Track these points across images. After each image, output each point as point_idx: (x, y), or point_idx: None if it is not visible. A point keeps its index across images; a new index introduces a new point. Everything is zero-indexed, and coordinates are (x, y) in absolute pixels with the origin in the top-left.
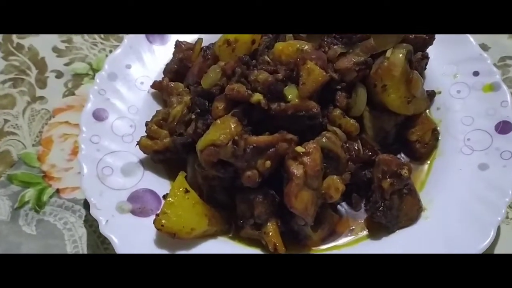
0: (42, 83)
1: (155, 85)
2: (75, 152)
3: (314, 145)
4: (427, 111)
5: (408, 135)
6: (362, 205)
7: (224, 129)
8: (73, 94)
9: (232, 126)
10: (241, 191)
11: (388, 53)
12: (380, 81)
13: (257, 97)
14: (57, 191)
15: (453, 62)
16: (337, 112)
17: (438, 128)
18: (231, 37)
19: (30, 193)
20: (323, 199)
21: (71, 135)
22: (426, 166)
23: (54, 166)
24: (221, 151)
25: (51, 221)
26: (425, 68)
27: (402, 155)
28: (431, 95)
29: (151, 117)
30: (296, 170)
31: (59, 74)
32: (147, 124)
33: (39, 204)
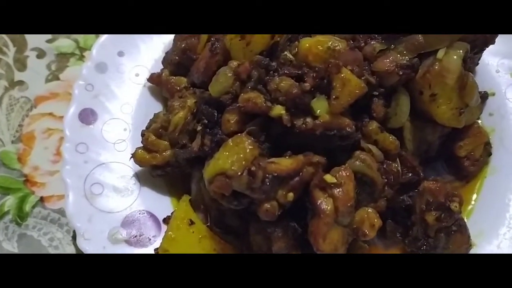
0: (21, 64)
1: (153, 78)
2: (61, 151)
3: (347, 173)
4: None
5: (456, 150)
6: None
7: (237, 153)
8: (58, 78)
9: (248, 149)
10: (257, 219)
11: (440, 54)
12: (428, 88)
13: (278, 110)
14: (41, 199)
15: (511, 55)
16: (374, 125)
17: (491, 139)
18: None
19: (10, 202)
20: (355, 235)
21: (56, 130)
22: (473, 186)
23: (37, 168)
24: (234, 183)
25: (34, 236)
26: (477, 64)
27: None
28: (483, 97)
29: (148, 120)
30: (325, 205)
31: (41, 53)
32: (143, 134)
33: (20, 216)
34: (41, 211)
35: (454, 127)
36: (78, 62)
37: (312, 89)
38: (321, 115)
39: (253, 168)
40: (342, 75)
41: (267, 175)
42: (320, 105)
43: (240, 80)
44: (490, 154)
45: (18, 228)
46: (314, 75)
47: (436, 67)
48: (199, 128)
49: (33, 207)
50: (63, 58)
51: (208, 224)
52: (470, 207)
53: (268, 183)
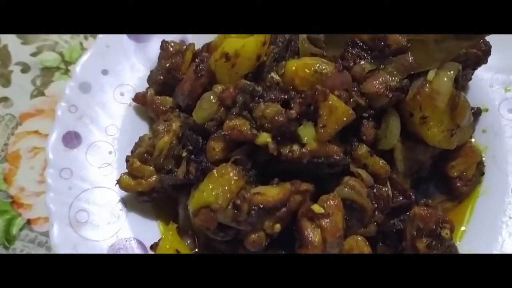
0: (5, 79)
1: (138, 98)
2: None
3: (335, 202)
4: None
5: (448, 170)
6: None
7: (222, 185)
8: (43, 94)
9: (233, 181)
10: (245, 246)
11: (430, 75)
12: (418, 110)
13: (264, 138)
14: (28, 222)
15: (505, 70)
16: (363, 150)
17: (484, 156)
18: (230, 50)
19: None
20: None
21: (41, 149)
22: (466, 206)
23: (23, 189)
24: (219, 216)
25: None
26: (470, 79)
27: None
28: (476, 113)
29: (134, 141)
30: (313, 236)
31: (26, 68)
32: (127, 159)
33: (8, 239)
34: (28, 234)
35: (446, 148)
36: (63, 77)
37: (299, 116)
38: (308, 143)
39: (238, 202)
40: (329, 102)
41: (253, 207)
42: (307, 133)
43: (224, 105)
44: (483, 173)
45: (6, 251)
46: (301, 101)
47: (426, 89)
48: (184, 154)
49: (21, 229)
50: (48, 72)
51: (196, 249)
52: (462, 228)
53: (254, 215)
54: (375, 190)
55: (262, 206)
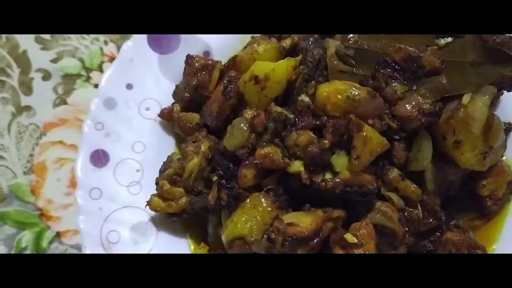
0: (26, 87)
1: (164, 114)
2: (73, 182)
3: (368, 231)
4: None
5: (478, 189)
6: None
7: (255, 217)
8: (65, 103)
9: (266, 212)
10: None
11: (465, 99)
12: (452, 134)
13: (296, 167)
14: (57, 234)
15: None
16: (395, 173)
17: None
18: (260, 73)
19: (27, 237)
20: None
21: (67, 160)
22: (496, 224)
23: (51, 202)
24: (253, 248)
25: None
26: (502, 94)
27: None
28: (508, 129)
29: (161, 158)
30: None
31: (46, 75)
32: (157, 182)
33: (38, 252)
34: (58, 247)
35: (478, 170)
36: (85, 84)
37: (331, 146)
38: (341, 172)
39: (272, 236)
40: (364, 134)
41: (286, 238)
42: (340, 162)
43: (256, 132)
44: None
45: None
46: (333, 130)
47: (461, 114)
48: (214, 178)
49: (50, 242)
50: (69, 80)
51: None
52: (493, 246)
53: (287, 246)
54: (406, 214)
55: (295, 237)
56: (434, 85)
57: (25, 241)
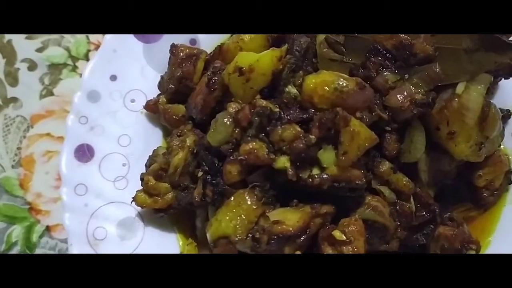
0: (12, 78)
1: (149, 106)
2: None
3: (357, 228)
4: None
5: (474, 179)
6: None
7: (239, 215)
8: (52, 94)
9: (251, 210)
10: None
11: (459, 88)
12: (445, 125)
13: (282, 163)
14: (47, 228)
15: None
16: (386, 166)
17: None
18: (244, 64)
19: (17, 232)
20: None
21: (55, 153)
22: (492, 215)
23: (40, 195)
24: (238, 246)
25: None
26: (499, 80)
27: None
28: (505, 117)
29: (147, 151)
30: None
31: (32, 65)
32: (142, 178)
33: (29, 246)
34: (48, 241)
35: (474, 161)
36: (71, 74)
37: (318, 140)
38: (328, 168)
39: (257, 235)
40: (351, 128)
41: (272, 237)
42: (327, 157)
43: (240, 126)
44: (510, 182)
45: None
46: (320, 124)
47: (455, 104)
48: (200, 174)
49: (40, 237)
50: (55, 69)
51: None
52: (489, 238)
53: (273, 244)
54: (398, 207)
55: (281, 235)
56: (427, 73)
57: (15, 236)
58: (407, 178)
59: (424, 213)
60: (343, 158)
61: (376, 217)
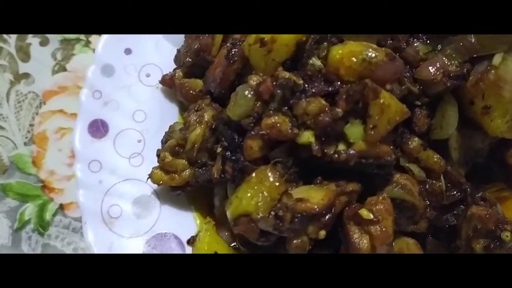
0: (24, 53)
1: (165, 81)
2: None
3: (385, 207)
4: None
5: (507, 157)
6: None
7: (261, 192)
8: (65, 69)
9: (273, 187)
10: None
11: (496, 60)
12: (480, 99)
13: (306, 138)
14: (61, 207)
15: None
16: (416, 143)
17: None
18: (266, 35)
19: (30, 210)
20: None
21: (68, 130)
22: None
23: (53, 173)
24: (260, 225)
25: (58, 247)
26: None
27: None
28: None
29: (163, 127)
30: (361, 242)
31: (44, 40)
32: (158, 154)
33: (42, 225)
34: (62, 220)
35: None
36: (84, 49)
37: (345, 114)
38: (355, 143)
39: (280, 213)
40: (381, 100)
41: (296, 215)
42: (354, 132)
43: (262, 100)
44: None
45: (41, 238)
46: (347, 97)
47: (491, 76)
48: (218, 150)
49: (54, 215)
50: (67, 45)
51: (235, 243)
52: None
53: (297, 223)
54: (427, 186)
55: (305, 214)
56: (461, 44)
57: (28, 214)
58: (438, 155)
59: (455, 192)
60: (372, 132)
61: (404, 196)
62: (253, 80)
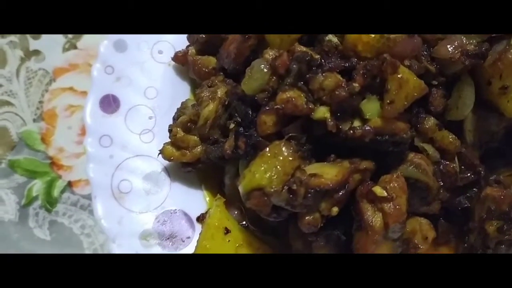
0: None
1: (178, 58)
2: (85, 131)
3: (399, 184)
4: None
5: None
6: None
7: (275, 166)
8: (75, 47)
9: (287, 161)
10: (296, 223)
11: None
12: (498, 79)
13: (322, 113)
14: (69, 184)
15: None
16: (431, 122)
17: None
18: None
19: (37, 186)
20: (406, 247)
21: (78, 107)
22: None
23: (62, 150)
24: (273, 199)
25: (65, 224)
26: None
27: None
28: None
29: (174, 105)
30: (374, 220)
31: None
32: (170, 129)
33: (50, 201)
34: (70, 197)
35: None
36: None
37: (362, 89)
38: (371, 119)
39: (293, 187)
40: (399, 75)
41: (309, 190)
42: (371, 108)
43: (277, 75)
44: None
45: (48, 215)
46: (365, 72)
47: (510, 56)
48: (231, 126)
49: (62, 192)
50: None
51: (244, 222)
52: None
53: (310, 198)
54: (441, 167)
55: (319, 189)
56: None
57: (36, 191)
58: (453, 135)
59: (469, 174)
60: (389, 108)
61: (419, 175)
62: (269, 54)
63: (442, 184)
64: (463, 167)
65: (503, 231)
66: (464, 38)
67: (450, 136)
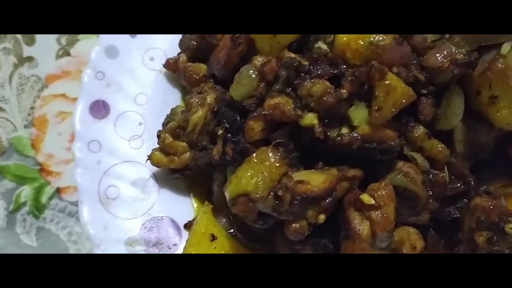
0: (29, 37)
1: (169, 65)
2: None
3: (387, 192)
4: None
5: (511, 152)
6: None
7: (261, 172)
8: (69, 54)
9: (273, 168)
10: (283, 231)
11: (504, 49)
12: (487, 88)
13: (309, 119)
14: (58, 190)
15: None
16: (420, 131)
17: None
18: None
19: (26, 192)
20: None
21: (69, 114)
22: None
23: (51, 156)
24: (259, 205)
25: (53, 230)
26: None
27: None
28: None
29: (165, 112)
30: (361, 229)
31: None
32: (159, 135)
33: (38, 207)
34: (58, 203)
35: None
36: (89, 35)
37: (350, 96)
38: (359, 126)
39: (279, 193)
40: (387, 82)
41: (295, 197)
42: (358, 115)
43: (265, 81)
44: None
45: (36, 221)
46: (353, 78)
47: (499, 65)
48: (220, 132)
49: (50, 198)
50: None
51: (232, 230)
52: None
53: (296, 205)
54: (430, 176)
55: (305, 196)
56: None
57: (24, 196)
58: (443, 145)
59: (458, 184)
60: (377, 114)
61: (407, 184)
62: (258, 60)
63: (431, 193)
64: (452, 177)
65: (492, 242)
66: (454, 47)
67: (439, 145)
